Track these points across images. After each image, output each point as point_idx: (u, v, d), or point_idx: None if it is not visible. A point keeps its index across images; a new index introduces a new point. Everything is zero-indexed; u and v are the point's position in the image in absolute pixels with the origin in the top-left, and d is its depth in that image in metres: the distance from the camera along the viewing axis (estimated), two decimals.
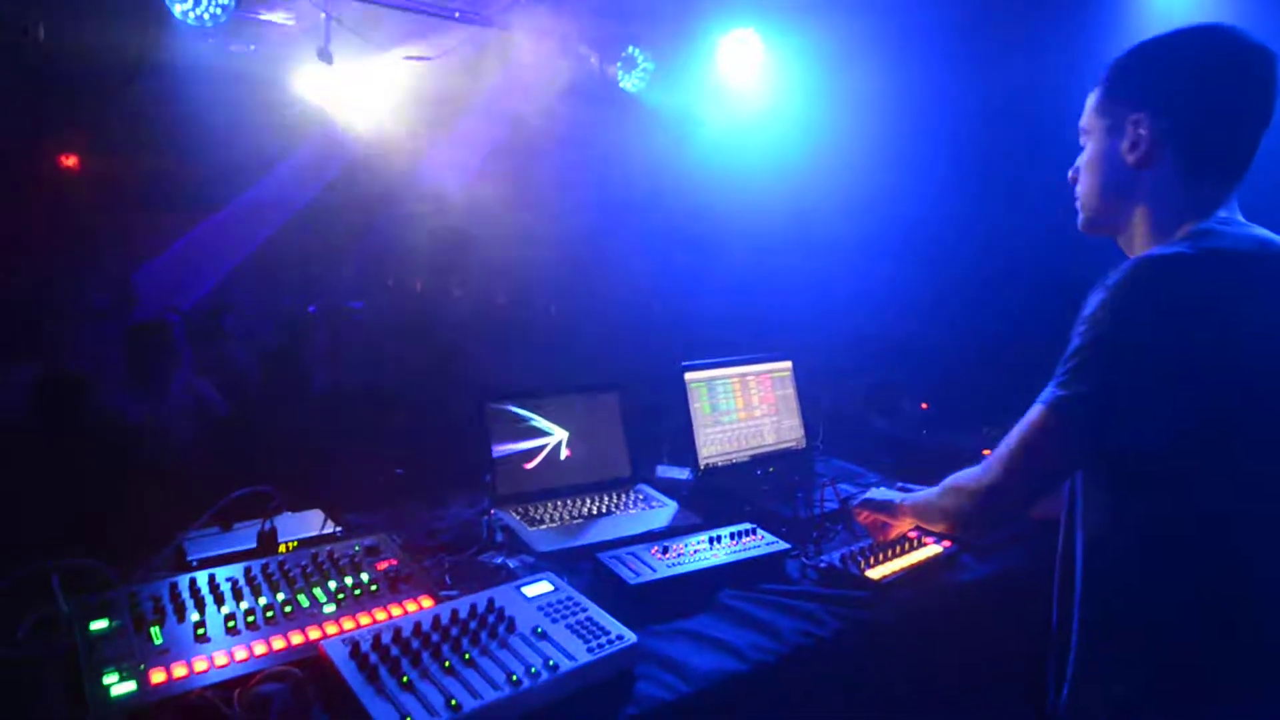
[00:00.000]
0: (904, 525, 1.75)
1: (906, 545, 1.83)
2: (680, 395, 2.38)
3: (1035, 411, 1.24)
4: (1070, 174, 1.44)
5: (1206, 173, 1.25)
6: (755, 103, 3.99)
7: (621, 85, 4.01)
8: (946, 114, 3.35)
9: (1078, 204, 1.41)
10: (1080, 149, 1.40)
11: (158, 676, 1.23)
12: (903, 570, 1.75)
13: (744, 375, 2.53)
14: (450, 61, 3.99)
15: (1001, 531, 1.93)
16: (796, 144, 3.86)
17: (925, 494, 1.58)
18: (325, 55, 3.58)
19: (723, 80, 3.97)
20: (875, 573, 1.72)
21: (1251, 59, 1.22)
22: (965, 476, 1.40)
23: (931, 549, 1.85)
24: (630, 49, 3.96)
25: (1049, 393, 1.22)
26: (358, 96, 4.01)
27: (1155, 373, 1.14)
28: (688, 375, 2.40)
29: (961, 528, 1.70)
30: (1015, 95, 3.10)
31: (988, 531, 1.87)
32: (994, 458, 1.31)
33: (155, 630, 1.34)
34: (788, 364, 2.66)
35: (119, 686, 1.20)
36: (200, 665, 1.26)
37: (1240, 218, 1.27)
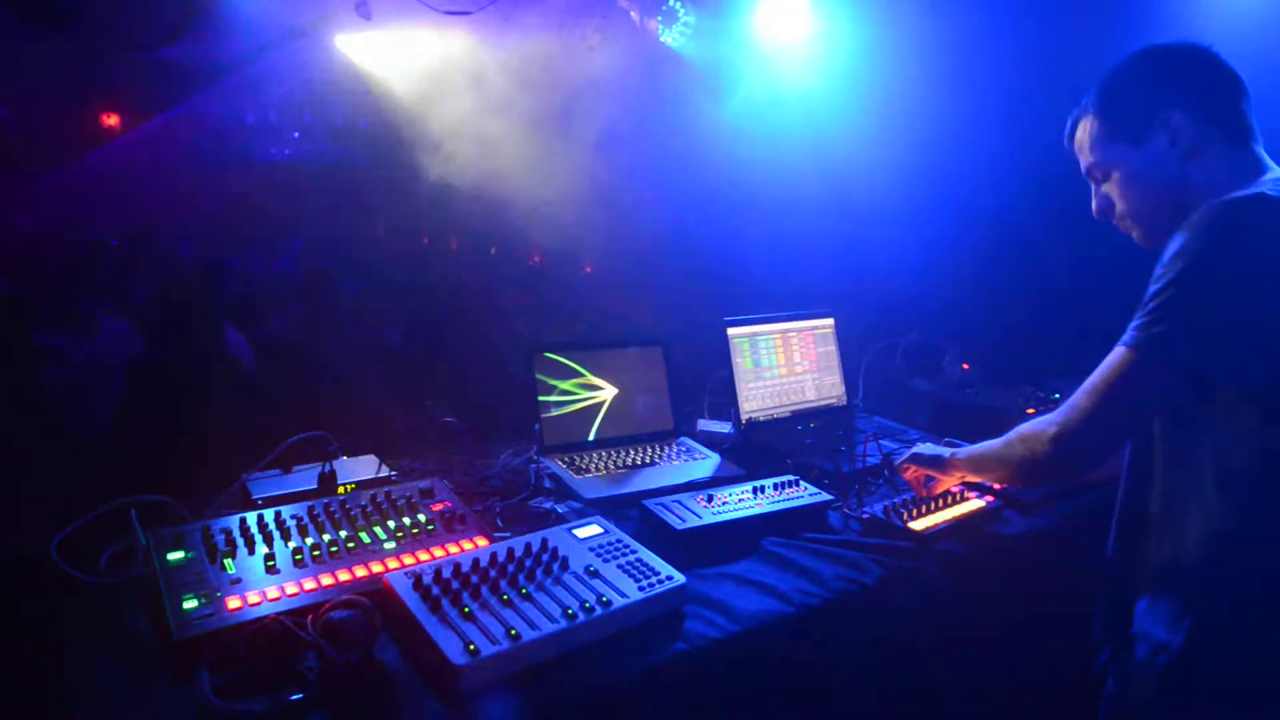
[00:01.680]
0: (952, 480, 1.77)
1: (949, 499, 1.84)
2: (723, 351, 2.40)
3: (1117, 353, 1.25)
4: (1098, 214, 1.47)
5: (1243, 140, 1.33)
6: (798, 59, 3.92)
7: (662, 40, 3.97)
8: (1003, 70, 3.26)
9: (1133, 230, 1.44)
10: (1091, 190, 1.47)
11: (233, 603, 1.30)
12: (946, 523, 1.76)
13: (786, 332, 2.54)
14: (490, 15, 3.97)
15: (1052, 487, 1.93)
16: (840, 102, 3.79)
17: (984, 445, 1.58)
18: (364, 10, 3.58)
19: (765, 36, 3.91)
20: (918, 524, 1.74)
21: (1203, 47, 1.36)
22: (1039, 423, 1.38)
23: (975, 503, 1.86)
24: (671, 2, 3.91)
25: (1130, 334, 1.23)
26: (394, 58, 4.00)
27: (1238, 307, 1.15)
28: (730, 331, 2.42)
29: (1032, 477, 1.62)
30: (1073, 52, 3.01)
31: (1060, 480, 1.85)
32: (1071, 403, 1.31)
33: (228, 561, 1.41)
34: (830, 321, 2.66)
35: (199, 610, 1.27)
36: (273, 594, 1.33)
37: None
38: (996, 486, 1.92)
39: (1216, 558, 1.23)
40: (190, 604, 1.29)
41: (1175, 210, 1.34)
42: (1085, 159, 1.46)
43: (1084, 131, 1.45)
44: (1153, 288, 1.22)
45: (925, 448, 1.80)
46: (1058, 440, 1.32)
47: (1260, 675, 1.19)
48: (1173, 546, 1.28)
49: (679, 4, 3.91)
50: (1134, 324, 1.24)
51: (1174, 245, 1.20)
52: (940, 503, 1.83)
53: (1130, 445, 1.38)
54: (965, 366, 3.00)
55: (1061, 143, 1.55)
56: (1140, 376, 1.22)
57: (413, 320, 5.04)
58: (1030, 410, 2.40)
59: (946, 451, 1.72)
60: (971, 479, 1.77)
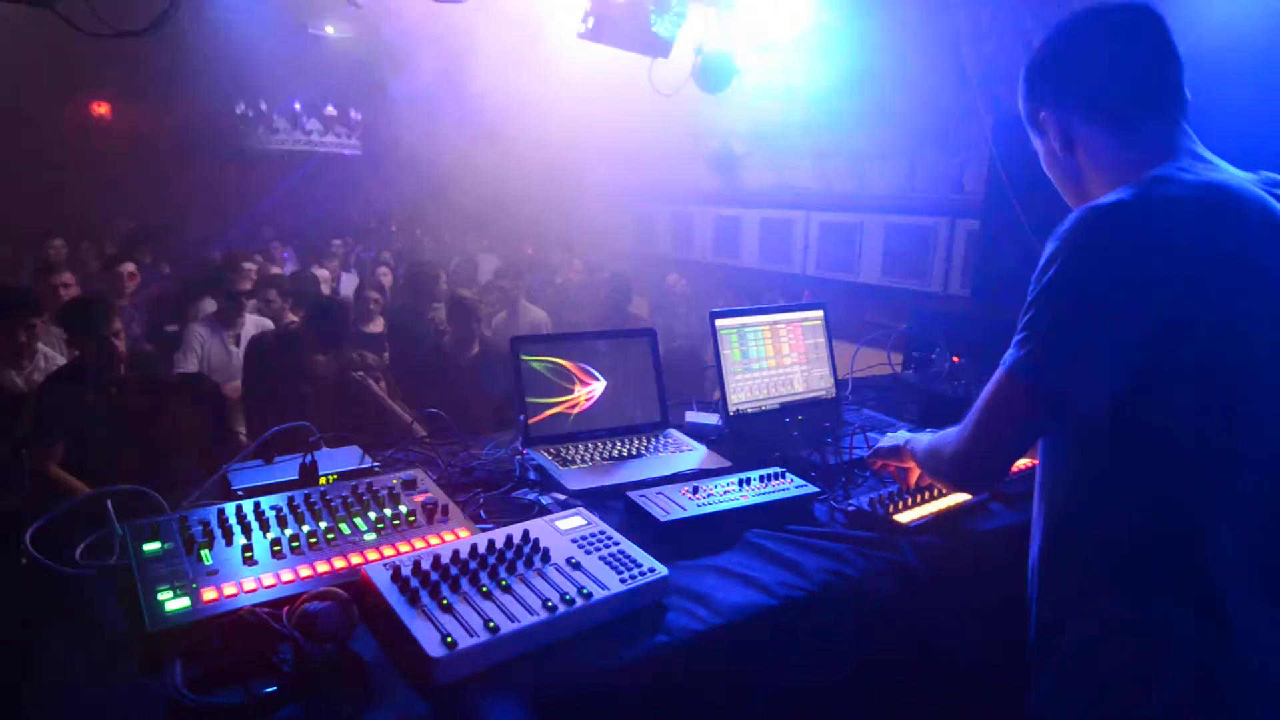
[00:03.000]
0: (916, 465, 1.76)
1: (935, 491, 1.84)
2: (711, 342, 2.38)
3: (996, 376, 1.23)
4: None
5: (1124, 117, 1.25)
6: (789, 49, 3.91)
7: (654, 30, 3.94)
8: (1003, 58, 3.25)
9: None
10: None
11: (209, 594, 1.28)
12: (931, 515, 1.76)
13: (775, 323, 2.53)
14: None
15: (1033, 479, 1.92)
16: (830, 90, 3.78)
17: (918, 442, 1.59)
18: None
19: (757, 27, 3.89)
20: (903, 517, 1.73)
21: (1089, 26, 1.29)
22: (942, 439, 1.41)
23: (960, 495, 1.85)
24: None
25: (1008, 355, 1.21)
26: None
27: (1096, 321, 1.12)
28: (718, 322, 2.40)
29: (946, 487, 1.75)
30: None
31: (966, 492, 1.84)
32: (963, 426, 1.32)
33: (205, 553, 1.40)
34: (819, 313, 2.64)
35: (174, 602, 1.25)
36: (249, 585, 1.32)
37: (1215, 161, 1.24)
38: None
39: (1103, 573, 1.23)
40: (165, 595, 1.27)
41: (1079, 191, 1.35)
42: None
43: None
44: (1026, 302, 1.20)
45: (887, 439, 1.81)
46: (954, 460, 1.36)
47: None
48: (1072, 559, 1.28)
49: None
50: (1012, 343, 1.21)
51: (1043, 255, 1.17)
52: (925, 495, 1.82)
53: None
54: (955, 359, 3.00)
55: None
56: (1013, 400, 1.21)
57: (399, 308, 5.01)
58: None
59: (901, 440, 1.72)
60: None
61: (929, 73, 3.34)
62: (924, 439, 1.61)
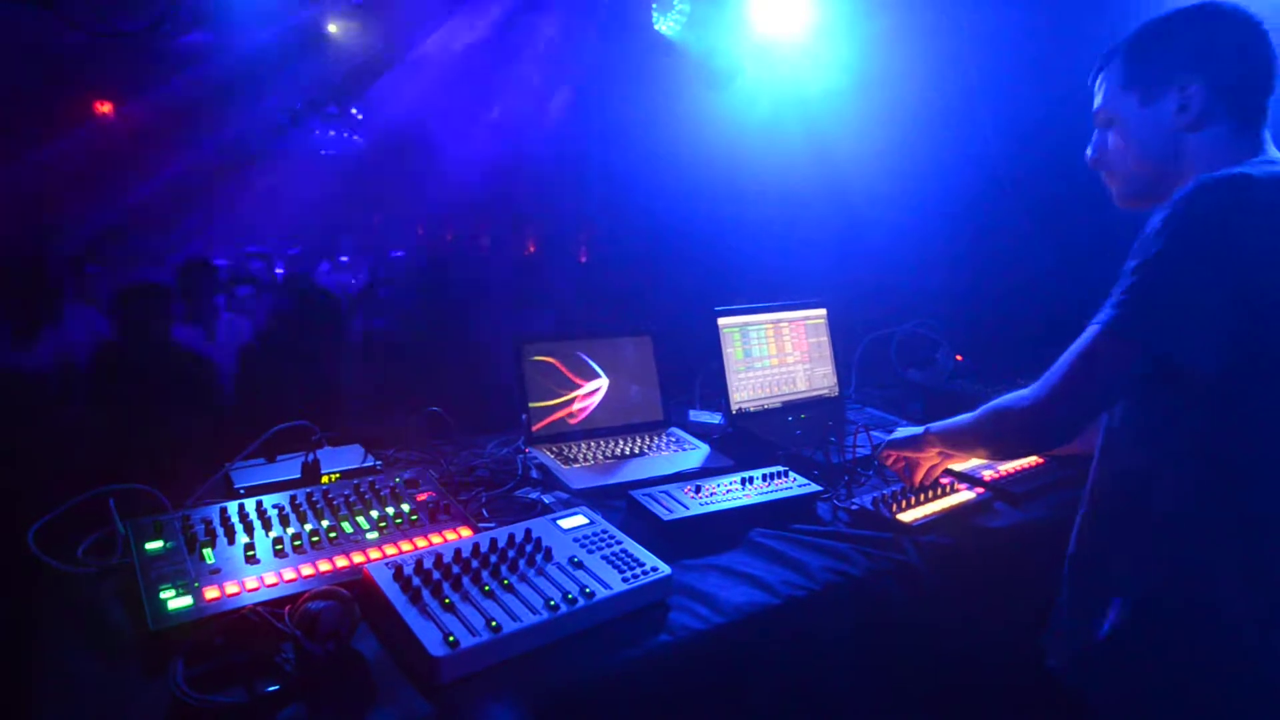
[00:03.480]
0: (930, 456, 1.74)
1: (939, 490, 1.83)
2: (713, 341, 2.38)
3: (1089, 332, 1.24)
4: (1091, 160, 1.46)
5: (1253, 121, 1.31)
6: (794, 49, 3.89)
7: (657, 28, 3.94)
8: (1000, 62, 3.24)
9: (1112, 184, 1.44)
10: (1097, 135, 1.44)
11: (211, 593, 1.28)
12: (935, 514, 1.75)
13: (778, 322, 2.52)
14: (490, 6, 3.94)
15: (1036, 479, 1.92)
16: (835, 91, 3.77)
17: (959, 420, 1.59)
18: None
19: (761, 25, 3.87)
20: (907, 516, 1.72)
21: (1256, 23, 1.30)
22: (1012, 400, 1.40)
23: (964, 494, 1.85)
24: None
25: (1104, 312, 1.22)
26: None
27: (1210, 290, 1.13)
28: (721, 321, 2.40)
29: (1004, 452, 1.71)
30: (1070, 46, 2.99)
31: (1032, 453, 1.87)
32: (1045, 381, 1.31)
33: (207, 551, 1.40)
34: (822, 311, 2.64)
35: (176, 601, 1.26)
36: (251, 584, 1.32)
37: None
38: (985, 476, 1.91)
39: (1164, 539, 1.25)
40: (167, 594, 1.27)
41: (1157, 178, 1.35)
42: (1097, 100, 1.44)
43: (1106, 70, 1.42)
44: (1129, 263, 1.22)
45: (901, 431, 1.79)
46: (1027, 416, 1.34)
47: (1195, 657, 1.23)
48: (1132, 525, 1.29)
49: None
50: (1109, 301, 1.23)
51: (1154, 221, 1.20)
52: (929, 494, 1.81)
53: (1103, 427, 1.38)
54: (959, 358, 2.99)
55: (1056, 137, 1.55)
56: (1107, 355, 1.22)
57: (408, 310, 5.01)
58: None
59: (920, 428, 1.71)
60: (949, 453, 1.75)
61: (932, 75, 3.33)
62: (948, 420, 1.63)
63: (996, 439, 1.49)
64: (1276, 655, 1.21)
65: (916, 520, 1.71)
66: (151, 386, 2.77)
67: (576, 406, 2.24)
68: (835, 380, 2.62)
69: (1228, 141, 1.30)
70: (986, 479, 1.91)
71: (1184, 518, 1.24)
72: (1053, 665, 1.44)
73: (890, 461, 1.82)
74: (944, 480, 1.86)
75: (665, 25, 3.92)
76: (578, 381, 2.26)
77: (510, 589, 1.31)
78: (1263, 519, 1.19)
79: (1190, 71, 1.31)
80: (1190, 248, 1.15)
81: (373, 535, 1.51)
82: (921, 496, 1.80)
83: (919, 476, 1.78)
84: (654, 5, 3.89)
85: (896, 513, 1.73)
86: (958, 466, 1.93)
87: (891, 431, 1.90)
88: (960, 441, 1.60)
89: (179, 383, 2.96)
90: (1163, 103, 1.33)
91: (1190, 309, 1.15)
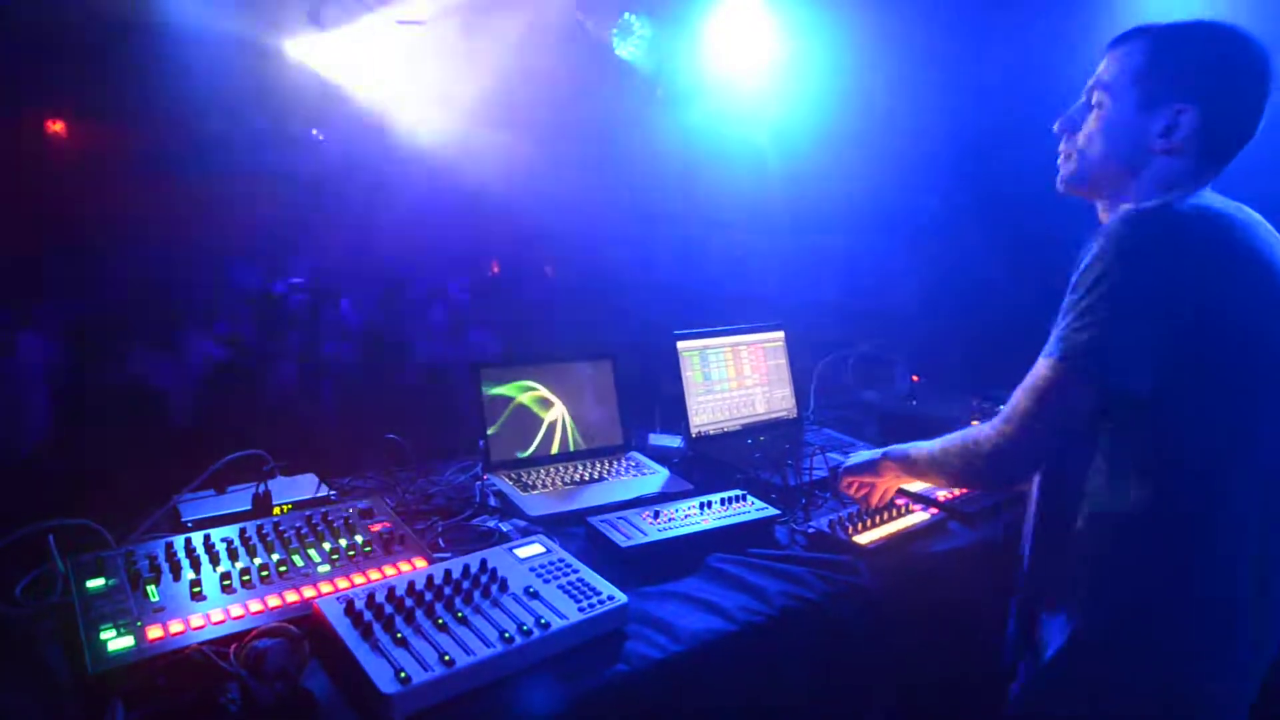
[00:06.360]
0: (886, 481, 1.76)
1: (894, 512, 1.85)
2: (673, 364, 2.39)
3: (1043, 365, 1.27)
4: (1058, 127, 1.44)
5: (1217, 163, 1.32)
6: (752, 74, 3.95)
7: (617, 52, 3.97)
8: (961, 91, 3.33)
9: (1068, 159, 1.43)
10: (1079, 107, 1.42)
11: (155, 633, 1.25)
12: (890, 536, 1.77)
13: (736, 345, 2.54)
14: (447, 25, 3.94)
15: (989, 499, 1.96)
16: (793, 117, 3.84)
17: (918, 449, 1.59)
18: (315, 19, 3.52)
19: (719, 50, 3.93)
20: (863, 538, 1.74)
21: (1265, 59, 1.27)
22: (973, 435, 1.41)
23: (919, 515, 1.87)
24: (627, 15, 3.92)
25: (1053, 345, 1.25)
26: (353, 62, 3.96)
27: (1147, 318, 1.18)
28: (680, 344, 2.41)
29: (967, 485, 1.78)
30: (1021, 73, 3.09)
31: (993, 490, 1.91)
32: (1005, 416, 1.34)
33: (151, 589, 1.36)
34: (780, 334, 2.67)
35: (116, 642, 1.21)
36: (197, 622, 1.28)
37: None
38: (939, 497, 1.94)
39: (1106, 559, 1.28)
40: (108, 634, 1.23)
41: (1110, 179, 1.37)
42: (1101, 69, 1.39)
43: (1125, 51, 1.35)
44: (1070, 297, 1.25)
45: (857, 456, 1.81)
46: (993, 453, 1.36)
47: (1139, 677, 1.25)
48: (1075, 547, 1.31)
49: (634, 16, 3.93)
50: (1055, 334, 1.26)
51: (1088, 254, 1.23)
52: (884, 516, 1.83)
53: None
54: (915, 378, 3.04)
55: (1016, 164, 1.56)
56: (1064, 387, 1.24)
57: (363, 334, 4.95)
58: (975, 420, 2.43)
59: (878, 453, 1.73)
60: (905, 480, 1.77)
61: (894, 97, 3.41)
62: (907, 447, 1.63)
63: (959, 475, 1.50)
64: (1221, 674, 1.24)
65: (872, 543, 1.73)
66: (100, 417, 2.69)
67: (536, 431, 2.23)
68: (794, 402, 2.65)
69: (1188, 175, 1.29)
70: (941, 499, 1.94)
71: (1123, 532, 1.26)
72: (1008, 687, 1.46)
73: (849, 489, 1.83)
74: (899, 501, 1.89)
75: (625, 49, 3.96)
76: (538, 406, 2.25)
77: (464, 621, 1.29)
78: (1203, 533, 1.22)
79: (1193, 99, 1.27)
80: (1126, 279, 1.18)
81: (325, 568, 1.48)
82: (877, 518, 1.82)
83: (876, 499, 1.80)
84: (614, 29, 3.93)
85: (853, 535, 1.75)
86: (912, 487, 1.95)
87: (848, 454, 1.92)
88: (921, 473, 1.61)
89: (129, 412, 2.89)
90: (1155, 116, 1.30)
91: (1133, 339, 1.18)
